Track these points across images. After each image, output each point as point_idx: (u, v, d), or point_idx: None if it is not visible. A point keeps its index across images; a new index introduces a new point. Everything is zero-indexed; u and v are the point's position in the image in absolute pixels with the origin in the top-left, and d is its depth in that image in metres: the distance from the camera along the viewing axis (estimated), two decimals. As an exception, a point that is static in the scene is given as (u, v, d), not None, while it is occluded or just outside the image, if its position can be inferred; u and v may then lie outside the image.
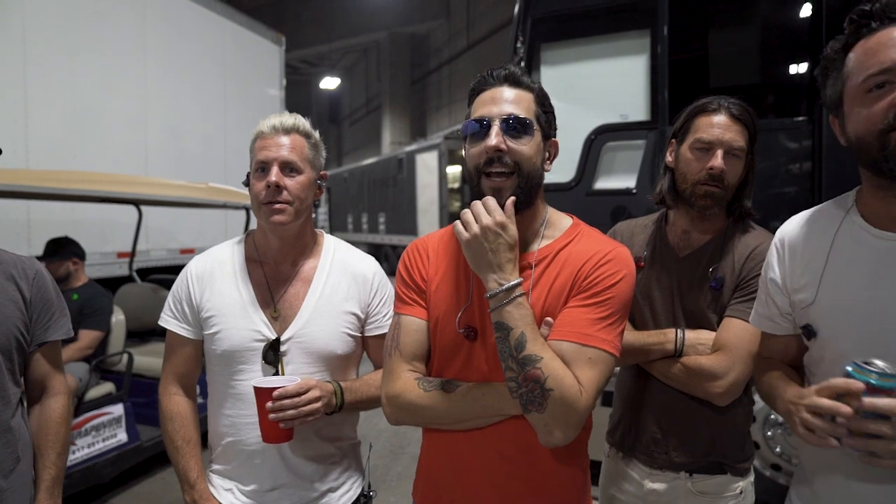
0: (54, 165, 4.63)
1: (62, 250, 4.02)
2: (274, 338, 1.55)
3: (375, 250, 20.00)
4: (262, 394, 1.41)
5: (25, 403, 1.69)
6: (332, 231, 23.71)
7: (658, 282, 1.68)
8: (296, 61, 26.86)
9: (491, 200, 1.19)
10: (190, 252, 6.21)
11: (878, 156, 1.08)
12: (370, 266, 1.70)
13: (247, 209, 4.79)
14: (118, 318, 4.15)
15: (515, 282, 1.16)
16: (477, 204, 1.19)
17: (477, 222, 1.17)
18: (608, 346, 1.19)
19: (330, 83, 29.21)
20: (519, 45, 3.76)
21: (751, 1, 3.59)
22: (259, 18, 7.45)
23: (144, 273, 5.66)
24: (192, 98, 6.35)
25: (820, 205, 1.32)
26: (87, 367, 3.78)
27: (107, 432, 3.76)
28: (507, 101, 1.25)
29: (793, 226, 1.33)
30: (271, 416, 1.40)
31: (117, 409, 3.82)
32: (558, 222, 1.35)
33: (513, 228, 1.18)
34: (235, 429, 1.58)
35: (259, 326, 1.56)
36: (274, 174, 1.52)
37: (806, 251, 1.28)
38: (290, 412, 1.40)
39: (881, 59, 1.07)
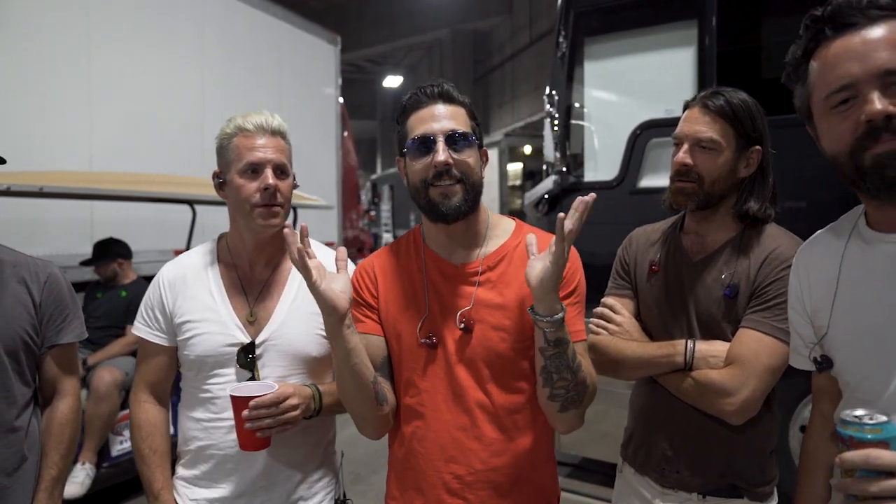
0: (116, 166, 4.82)
1: (107, 252, 4.21)
2: (248, 341, 1.53)
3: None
4: (239, 402, 1.39)
5: (39, 403, 1.74)
6: (394, 228, 23.97)
7: (670, 288, 1.59)
8: (360, 60, 27.21)
9: None
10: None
11: (854, 175, 1.02)
12: None
13: (191, 204, 4.76)
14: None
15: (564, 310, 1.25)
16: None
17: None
18: (585, 334, 1.42)
19: (393, 81, 29.47)
20: (561, 39, 3.68)
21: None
22: (323, 20, 7.57)
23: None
24: (246, 101, 6.48)
25: (836, 221, 1.23)
26: (133, 361, 3.92)
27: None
28: (445, 116, 1.35)
29: (807, 247, 1.26)
30: (247, 425, 1.38)
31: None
32: (501, 223, 1.48)
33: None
34: (207, 433, 1.56)
35: (233, 330, 1.56)
36: (271, 178, 1.51)
37: (819, 275, 1.19)
38: (268, 421, 1.38)
39: (840, 75, 1.01)
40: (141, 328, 1.65)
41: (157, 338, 1.63)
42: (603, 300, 1.72)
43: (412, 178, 1.37)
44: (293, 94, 7.14)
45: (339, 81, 8.02)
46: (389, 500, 1.48)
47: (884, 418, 0.91)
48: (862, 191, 1.05)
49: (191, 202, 4.84)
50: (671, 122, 3.46)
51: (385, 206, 24.62)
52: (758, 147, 1.54)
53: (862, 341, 1.09)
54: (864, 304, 1.09)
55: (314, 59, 7.58)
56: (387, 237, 24.09)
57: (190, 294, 1.60)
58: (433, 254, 1.44)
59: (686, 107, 1.61)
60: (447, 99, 1.37)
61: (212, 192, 4.52)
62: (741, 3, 3.45)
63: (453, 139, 1.33)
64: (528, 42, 19.60)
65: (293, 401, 1.42)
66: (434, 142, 1.32)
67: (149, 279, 4.53)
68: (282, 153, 1.57)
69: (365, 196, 19.02)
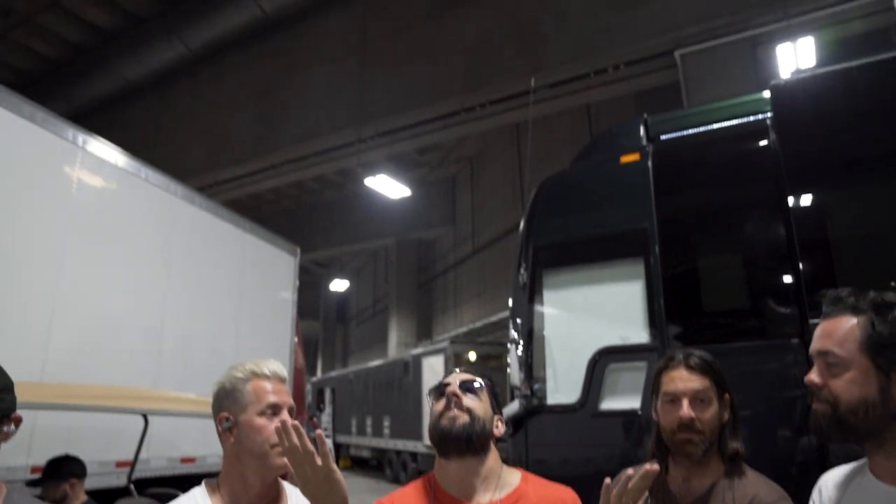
0: (69, 374, 4.72)
1: (59, 471, 3.97)
2: None
3: (380, 454, 19.36)
4: None
5: None
6: (334, 433, 23.13)
7: (663, 531, 1.69)
8: (307, 263, 27.94)
9: None
10: (191, 461, 6.08)
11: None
12: None
13: (145, 416, 4.77)
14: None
15: None
16: None
17: None
18: None
19: (339, 285, 30.11)
20: (522, 270, 4.01)
21: (732, 226, 3.83)
22: (275, 223, 7.98)
23: (141, 485, 5.50)
24: (207, 309, 6.59)
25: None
26: None
27: None
28: (464, 376, 1.69)
29: (824, 479, 1.45)
30: None
31: None
32: (510, 471, 1.67)
33: None
34: None
35: None
36: (290, 420, 1.59)
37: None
38: None
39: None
40: None
41: None
42: None
43: (431, 418, 1.63)
44: (252, 300, 7.30)
45: (297, 284, 8.28)
46: None
47: None
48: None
49: (145, 414, 4.73)
50: (627, 349, 3.75)
51: (326, 411, 23.97)
52: (727, 395, 1.74)
53: None
54: None
55: (275, 268, 7.87)
56: (327, 443, 23.16)
57: None
58: (445, 493, 1.56)
59: (662, 370, 1.81)
60: (471, 371, 1.72)
61: (167, 406, 4.44)
62: (681, 241, 3.87)
63: (465, 385, 1.65)
64: (471, 251, 20.63)
65: None
66: (449, 385, 1.66)
67: (94, 494, 4.27)
68: (290, 397, 1.67)
69: (307, 400, 18.55)
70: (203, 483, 1.66)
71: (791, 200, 3.43)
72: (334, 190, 22.82)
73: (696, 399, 1.70)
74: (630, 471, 1.28)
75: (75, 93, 15.32)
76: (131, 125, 16.03)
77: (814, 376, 1.31)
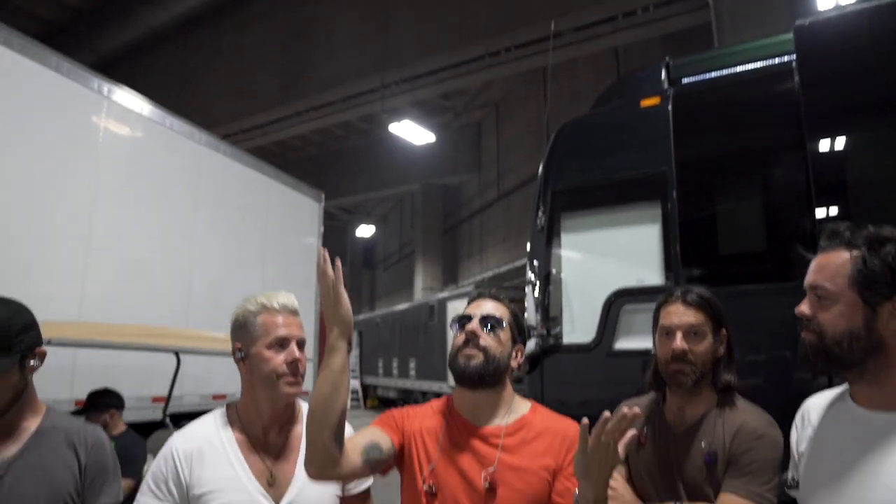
0: (104, 314, 4.95)
1: (99, 402, 4.23)
2: None
3: (405, 395, 19.86)
4: None
5: None
6: (362, 375, 23.71)
7: (658, 457, 1.79)
8: (333, 209, 28.11)
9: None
10: (222, 397, 6.36)
11: None
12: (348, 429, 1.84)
13: (177, 353, 4.94)
14: (150, 465, 4.26)
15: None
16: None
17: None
18: None
19: (365, 231, 30.32)
20: (540, 214, 4.06)
21: (751, 170, 3.82)
22: (300, 169, 8.08)
23: (176, 419, 5.78)
24: (234, 253, 6.77)
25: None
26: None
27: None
28: (488, 307, 1.74)
29: (807, 404, 1.52)
30: None
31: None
32: (521, 402, 1.73)
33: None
34: None
35: (256, 497, 1.65)
36: (297, 352, 1.70)
37: (803, 431, 1.46)
38: None
39: None
40: (149, 502, 1.67)
41: None
42: None
43: (451, 349, 1.72)
44: (277, 245, 7.47)
45: (321, 232, 8.41)
46: None
47: None
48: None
49: (177, 352, 4.94)
50: (642, 291, 3.81)
51: (353, 353, 24.46)
52: (724, 330, 1.80)
53: (818, 494, 1.32)
54: (825, 462, 1.34)
55: (299, 214, 8.01)
56: (353, 384, 23.77)
57: (209, 465, 1.66)
58: (459, 416, 1.69)
59: (661, 305, 1.88)
60: (496, 298, 1.77)
61: (197, 344, 4.64)
62: (700, 185, 3.87)
63: (487, 321, 1.69)
64: (496, 197, 20.58)
65: None
66: (470, 319, 1.70)
67: (133, 427, 4.52)
68: (301, 330, 1.77)
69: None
70: (224, 406, 1.81)
71: (810, 143, 3.40)
72: (359, 136, 22.78)
73: (690, 332, 1.77)
74: (607, 413, 1.34)
75: (100, 41, 15.41)
76: (156, 73, 16.12)
77: (804, 307, 1.37)
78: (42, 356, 1.72)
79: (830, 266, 1.33)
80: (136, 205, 5.52)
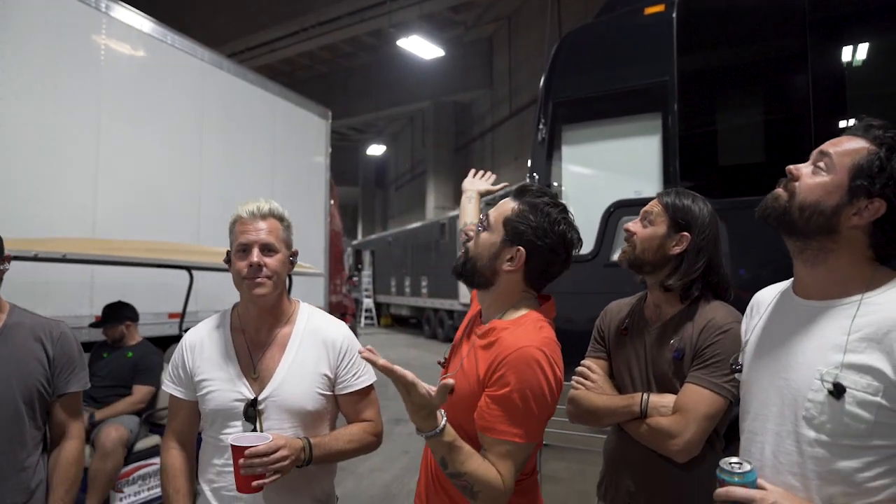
0: (117, 233, 5.07)
1: (116, 314, 4.41)
2: (252, 398, 1.80)
3: (418, 313, 20.27)
4: (237, 451, 1.62)
5: (48, 445, 2.03)
6: (375, 294, 24.14)
7: (635, 350, 1.90)
8: (344, 128, 27.92)
9: None
10: (236, 314, 6.56)
11: None
12: (340, 332, 1.95)
13: (189, 269, 5.13)
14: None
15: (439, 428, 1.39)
16: None
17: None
18: (517, 437, 1.44)
19: (376, 150, 30.17)
20: (541, 125, 4.05)
21: (753, 80, 3.77)
22: (309, 88, 8.02)
23: (193, 333, 5.99)
24: (242, 172, 6.82)
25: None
26: (137, 420, 4.08)
27: (153, 482, 4.03)
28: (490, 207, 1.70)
29: (757, 297, 1.61)
30: (242, 471, 1.62)
31: (164, 461, 4.09)
32: (520, 309, 1.61)
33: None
34: (220, 476, 1.82)
35: (240, 387, 1.83)
36: (255, 255, 1.79)
37: (751, 321, 1.56)
38: (259, 469, 1.62)
39: None
40: (168, 385, 1.94)
41: (181, 393, 1.92)
42: (582, 361, 2.03)
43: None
44: (286, 164, 7.50)
45: (329, 150, 8.41)
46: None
47: (748, 467, 1.27)
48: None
49: (189, 268, 5.08)
50: (641, 203, 3.83)
51: (366, 272, 24.84)
52: (686, 233, 1.85)
53: (754, 379, 1.46)
54: (763, 350, 1.45)
55: (306, 132, 7.99)
56: (367, 302, 24.25)
57: (206, 356, 1.88)
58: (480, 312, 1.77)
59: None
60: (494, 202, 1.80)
61: (209, 259, 4.79)
62: (700, 97, 3.83)
63: (480, 224, 1.66)
64: (508, 114, 20.30)
65: (283, 452, 1.65)
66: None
67: (150, 341, 4.73)
68: (270, 233, 1.84)
69: (348, 262, 19.24)
70: (231, 307, 2.00)
71: (812, 54, 3.35)
72: (368, 53, 22.34)
73: (646, 219, 1.90)
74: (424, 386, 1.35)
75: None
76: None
77: (800, 166, 1.39)
78: (8, 260, 1.97)
79: (848, 147, 1.34)
80: (141, 125, 5.55)
